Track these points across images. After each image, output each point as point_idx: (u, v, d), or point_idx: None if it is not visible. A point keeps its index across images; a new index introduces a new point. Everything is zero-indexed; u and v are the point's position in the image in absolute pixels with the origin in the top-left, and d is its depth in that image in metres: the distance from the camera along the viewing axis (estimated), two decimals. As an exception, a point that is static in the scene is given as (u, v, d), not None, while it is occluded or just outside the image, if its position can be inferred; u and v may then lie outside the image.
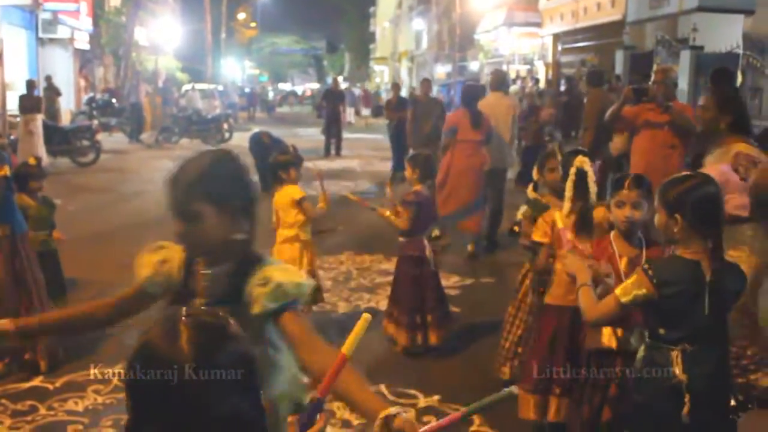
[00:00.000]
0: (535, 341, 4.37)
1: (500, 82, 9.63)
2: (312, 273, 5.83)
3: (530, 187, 5.04)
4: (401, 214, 5.67)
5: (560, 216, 4.16)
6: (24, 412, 4.65)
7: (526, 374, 4.35)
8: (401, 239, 5.76)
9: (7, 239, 5.21)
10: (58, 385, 5.03)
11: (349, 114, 34.27)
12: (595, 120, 9.15)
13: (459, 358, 5.66)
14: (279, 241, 5.87)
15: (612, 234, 3.66)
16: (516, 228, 5.44)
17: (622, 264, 3.54)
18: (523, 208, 4.94)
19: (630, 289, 2.84)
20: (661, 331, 2.83)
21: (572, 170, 4.06)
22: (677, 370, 2.78)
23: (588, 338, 3.70)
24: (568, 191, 4.07)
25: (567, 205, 4.08)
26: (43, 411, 4.65)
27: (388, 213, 5.77)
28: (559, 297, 4.14)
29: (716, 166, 4.58)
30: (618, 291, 2.88)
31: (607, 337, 3.60)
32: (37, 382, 5.09)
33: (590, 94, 10.65)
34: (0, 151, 5.49)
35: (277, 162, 5.91)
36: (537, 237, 4.30)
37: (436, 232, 9.02)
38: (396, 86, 18.41)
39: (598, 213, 4.12)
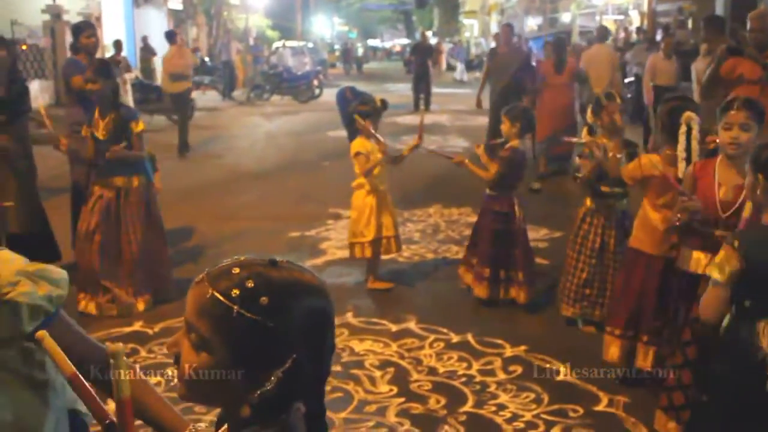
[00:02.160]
0: (623, 286, 4.32)
1: (603, 35, 12.12)
2: (376, 220, 5.93)
3: (584, 130, 5.11)
4: (491, 167, 5.62)
5: (657, 162, 4.07)
6: (126, 354, 4.87)
7: (614, 318, 4.34)
8: (489, 192, 5.72)
9: (143, 188, 5.66)
10: (156, 330, 5.26)
11: (460, 71, 33.65)
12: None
13: (545, 310, 5.63)
14: (353, 186, 6.06)
15: (718, 159, 3.53)
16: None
17: (721, 193, 3.44)
18: (582, 150, 5.08)
19: (723, 266, 2.70)
20: (747, 303, 2.73)
21: (682, 128, 3.84)
22: (764, 343, 2.69)
23: (680, 259, 3.64)
24: (681, 149, 3.87)
25: (681, 165, 3.87)
26: (143, 353, 4.88)
27: (468, 161, 5.76)
28: (649, 245, 4.09)
29: None
30: (713, 273, 2.74)
31: (695, 263, 3.54)
32: (137, 327, 5.33)
33: (713, 44, 9.15)
34: (129, 107, 5.90)
35: (356, 111, 5.96)
36: (626, 177, 4.30)
37: (537, 185, 9.27)
38: (497, 36, 17.27)
39: (649, 159, 4.09)
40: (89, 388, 1.43)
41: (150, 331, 5.25)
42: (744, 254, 2.66)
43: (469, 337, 5.09)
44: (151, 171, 5.95)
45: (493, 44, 16.50)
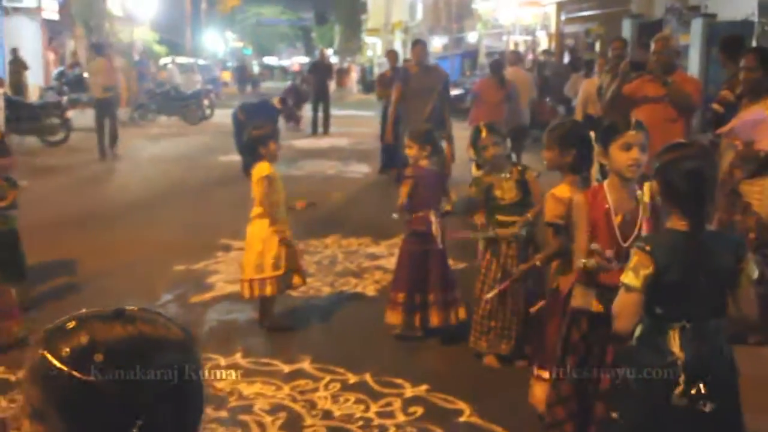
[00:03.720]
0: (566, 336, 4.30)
1: (517, 58, 14.21)
2: (286, 252, 5.85)
3: (473, 166, 5.22)
4: (401, 188, 5.69)
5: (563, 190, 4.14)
6: None
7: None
8: (403, 215, 5.73)
9: None
10: (20, 376, 5.03)
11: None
12: None
13: (450, 344, 5.67)
14: (252, 216, 5.90)
15: (606, 184, 3.58)
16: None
17: (617, 220, 3.48)
18: (470, 189, 5.33)
19: (638, 270, 2.79)
20: (659, 309, 2.83)
21: (597, 149, 3.88)
22: (675, 349, 2.79)
23: (576, 298, 3.67)
24: (596, 171, 4.00)
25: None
26: (3, 403, 4.65)
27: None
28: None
29: (752, 108, 5.20)
30: (627, 279, 2.81)
31: (596, 303, 3.56)
32: (-1, 373, 5.10)
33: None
34: None
35: (253, 137, 5.88)
36: (549, 217, 4.27)
37: (448, 207, 9.11)
38: (392, 54, 14.98)
39: (563, 190, 4.11)
40: None
41: (12, 378, 5.01)
42: (656, 259, 2.76)
43: (367, 377, 5.07)
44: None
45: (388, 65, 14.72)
